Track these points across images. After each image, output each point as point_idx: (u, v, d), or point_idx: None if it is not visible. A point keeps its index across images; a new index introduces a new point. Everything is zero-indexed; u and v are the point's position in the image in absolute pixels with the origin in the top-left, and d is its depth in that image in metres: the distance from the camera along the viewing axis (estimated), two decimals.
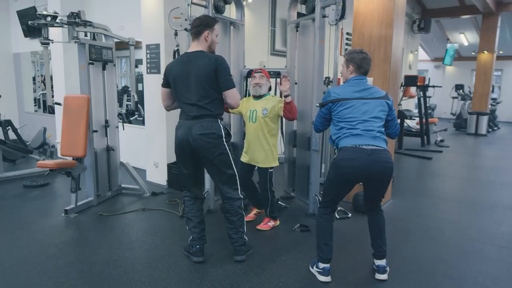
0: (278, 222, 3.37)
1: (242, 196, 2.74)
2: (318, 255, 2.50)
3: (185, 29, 3.38)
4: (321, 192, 3.79)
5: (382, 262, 2.54)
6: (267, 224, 3.31)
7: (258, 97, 3.23)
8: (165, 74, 2.67)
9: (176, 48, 3.49)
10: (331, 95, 2.44)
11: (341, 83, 2.70)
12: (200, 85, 2.52)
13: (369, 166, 2.29)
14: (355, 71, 2.48)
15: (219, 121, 2.60)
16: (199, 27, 2.59)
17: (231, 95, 2.55)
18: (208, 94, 2.53)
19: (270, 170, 3.21)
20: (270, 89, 3.30)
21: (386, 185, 2.49)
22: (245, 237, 2.74)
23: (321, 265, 2.47)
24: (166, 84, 2.68)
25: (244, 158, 3.31)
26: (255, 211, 3.54)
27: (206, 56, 2.55)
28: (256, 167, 3.26)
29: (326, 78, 4.50)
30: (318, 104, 3.03)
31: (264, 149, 3.16)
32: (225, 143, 2.60)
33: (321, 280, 2.46)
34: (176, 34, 3.43)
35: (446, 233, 3.33)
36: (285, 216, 3.59)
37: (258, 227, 3.29)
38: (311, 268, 2.58)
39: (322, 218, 2.50)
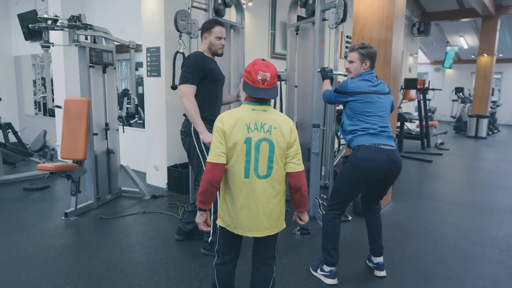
0: None
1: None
2: (325, 259, 2.48)
3: (187, 33, 3.38)
4: (322, 196, 3.79)
5: (381, 259, 2.58)
6: None
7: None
8: None
9: (181, 51, 3.39)
10: (349, 88, 2.43)
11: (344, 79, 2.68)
12: None
13: (388, 166, 2.33)
14: (370, 66, 2.49)
15: None
16: (200, 30, 2.77)
17: (179, 90, 2.65)
18: None
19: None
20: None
21: (391, 184, 2.54)
22: (211, 238, 2.75)
23: (327, 268, 2.46)
24: None
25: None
26: None
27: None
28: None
29: None
30: (329, 78, 2.99)
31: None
32: (194, 142, 2.67)
33: (328, 283, 2.45)
34: (180, 36, 3.41)
35: (446, 236, 3.32)
36: (285, 219, 3.57)
37: None
38: (314, 272, 2.57)
39: (331, 222, 2.48)
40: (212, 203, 2.14)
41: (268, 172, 1.69)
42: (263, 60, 1.70)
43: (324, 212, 2.87)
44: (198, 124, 2.56)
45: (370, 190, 2.55)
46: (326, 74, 3.00)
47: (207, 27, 2.73)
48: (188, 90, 2.58)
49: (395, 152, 2.38)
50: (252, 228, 1.73)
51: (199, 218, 1.80)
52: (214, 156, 1.66)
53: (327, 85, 2.94)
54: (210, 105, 2.73)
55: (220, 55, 2.82)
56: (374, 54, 2.49)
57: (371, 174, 2.34)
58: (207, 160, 1.69)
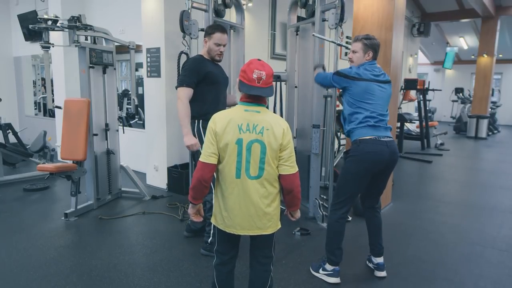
0: None
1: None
2: (329, 258, 2.49)
3: (188, 33, 3.39)
4: (323, 196, 3.79)
5: (381, 260, 2.58)
6: None
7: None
8: None
9: (185, 51, 3.42)
10: (352, 73, 2.44)
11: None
12: None
13: (389, 158, 2.37)
14: (372, 57, 2.49)
15: (196, 122, 2.74)
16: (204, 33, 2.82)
17: (177, 93, 2.72)
18: None
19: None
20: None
21: (389, 176, 2.59)
22: (211, 239, 2.75)
23: (330, 267, 2.47)
24: None
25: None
26: None
27: None
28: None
29: None
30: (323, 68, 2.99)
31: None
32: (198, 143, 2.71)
33: (331, 282, 2.45)
34: (184, 37, 3.42)
35: (446, 237, 3.32)
36: (285, 220, 3.57)
37: None
38: (315, 272, 2.56)
39: (338, 223, 2.49)
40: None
41: (259, 173, 1.69)
42: (259, 60, 1.71)
43: (328, 212, 2.87)
44: (184, 126, 2.66)
45: (370, 185, 2.54)
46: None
47: (208, 32, 2.76)
48: (183, 93, 2.67)
49: (394, 142, 2.43)
50: (244, 227, 1.73)
51: (191, 210, 1.84)
52: (205, 156, 1.69)
53: (320, 71, 2.99)
54: (210, 106, 2.72)
55: (218, 61, 2.84)
56: (378, 45, 2.50)
57: (373, 166, 2.37)
58: (199, 159, 1.71)
